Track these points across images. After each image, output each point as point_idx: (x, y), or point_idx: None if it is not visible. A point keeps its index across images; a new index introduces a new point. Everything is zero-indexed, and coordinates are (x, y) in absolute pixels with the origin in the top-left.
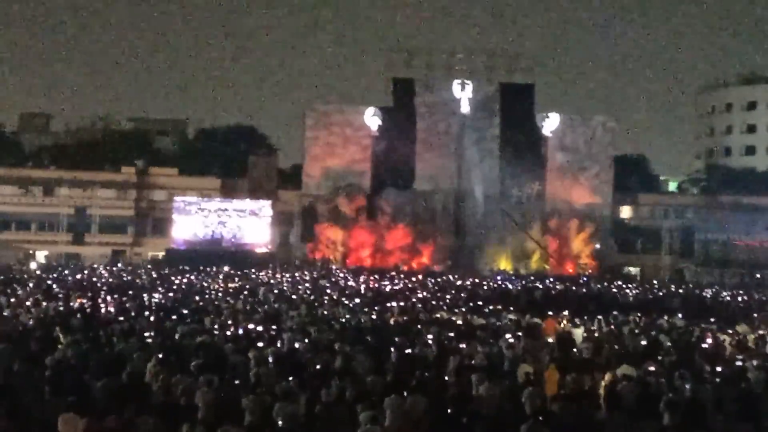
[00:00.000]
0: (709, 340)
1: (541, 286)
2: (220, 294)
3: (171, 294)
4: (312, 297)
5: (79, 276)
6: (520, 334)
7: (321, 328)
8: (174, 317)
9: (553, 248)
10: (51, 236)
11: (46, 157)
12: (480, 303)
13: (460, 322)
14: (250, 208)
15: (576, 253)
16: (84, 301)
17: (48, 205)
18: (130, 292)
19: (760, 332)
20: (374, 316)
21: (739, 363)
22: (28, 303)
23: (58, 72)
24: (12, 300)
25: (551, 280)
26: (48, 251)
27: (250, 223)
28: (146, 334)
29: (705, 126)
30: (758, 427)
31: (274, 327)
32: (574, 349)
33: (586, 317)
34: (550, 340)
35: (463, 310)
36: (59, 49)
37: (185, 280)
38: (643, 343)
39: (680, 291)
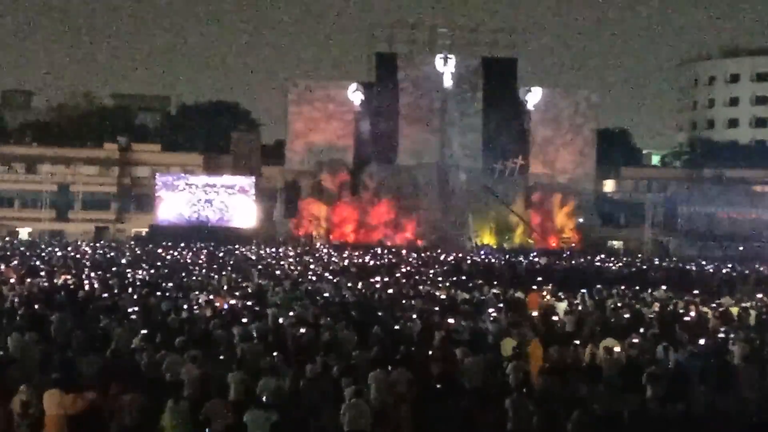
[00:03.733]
0: (692, 313)
1: (524, 261)
2: (204, 270)
3: (155, 270)
4: (296, 273)
5: (62, 253)
6: (503, 308)
7: (305, 303)
8: (158, 294)
9: (537, 222)
10: (34, 213)
11: (28, 134)
12: (464, 277)
13: (443, 296)
14: (240, 185)
15: (559, 227)
16: (68, 277)
17: (31, 182)
18: (114, 269)
19: (743, 305)
20: (358, 291)
21: (721, 336)
22: (12, 280)
23: (40, 49)
24: None
25: (534, 254)
26: (31, 228)
27: (237, 201)
28: (131, 310)
29: (688, 99)
30: (740, 399)
31: (257, 303)
32: (558, 323)
33: (569, 291)
34: (534, 314)
35: (447, 284)
36: (41, 25)
37: (169, 257)
38: (627, 316)
39: (663, 264)
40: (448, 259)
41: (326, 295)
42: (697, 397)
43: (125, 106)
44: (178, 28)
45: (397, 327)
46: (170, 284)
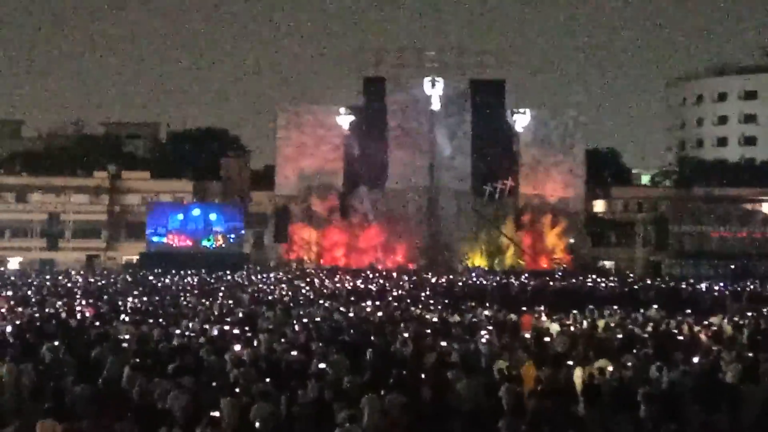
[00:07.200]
0: (685, 332)
1: (516, 282)
2: (195, 297)
3: (146, 298)
4: (287, 297)
5: (54, 282)
6: (495, 330)
7: (297, 328)
8: (150, 321)
9: (527, 243)
10: (24, 242)
11: (18, 164)
12: (456, 300)
13: (435, 319)
14: (229, 211)
15: (550, 248)
16: (60, 306)
17: (21, 211)
18: (106, 297)
19: (735, 320)
20: (350, 315)
21: (714, 354)
22: (3, 309)
23: (29, 78)
24: None
25: (526, 275)
26: (22, 258)
27: (227, 227)
28: (122, 338)
29: (676, 118)
30: (734, 418)
31: (249, 328)
32: (550, 344)
33: (561, 312)
34: (527, 335)
35: (439, 307)
36: (30, 54)
37: (160, 284)
38: (619, 336)
39: (655, 284)
40: (440, 282)
41: (318, 319)
42: (691, 417)
43: (115, 134)
44: (166, 56)
45: (388, 350)
46: (161, 311)
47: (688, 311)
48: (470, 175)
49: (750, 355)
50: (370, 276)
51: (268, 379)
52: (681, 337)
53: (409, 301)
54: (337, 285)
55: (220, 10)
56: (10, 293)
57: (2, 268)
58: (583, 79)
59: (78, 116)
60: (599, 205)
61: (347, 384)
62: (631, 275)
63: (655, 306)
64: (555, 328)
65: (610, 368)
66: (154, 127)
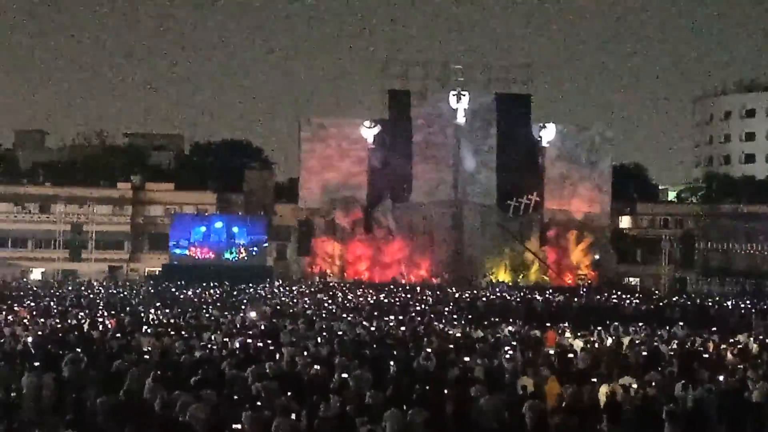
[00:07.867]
0: (711, 350)
1: (540, 298)
2: (217, 309)
3: (168, 310)
4: (310, 311)
5: (76, 293)
6: (519, 346)
7: (320, 342)
8: (172, 333)
9: (552, 259)
10: (47, 253)
11: (41, 174)
12: (479, 315)
13: (459, 334)
14: (253, 223)
15: (575, 264)
16: (82, 317)
17: (44, 221)
18: (128, 309)
19: (762, 339)
20: (373, 330)
21: (740, 373)
22: (25, 320)
23: (54, 88)
24: (10, 317)
25: (551, 291)
26: (44, 268)
27: (250, 240)
28: (144, 350)
29: (703, 134)
30: None
31: (272, 342)
32: (575, 361)
33: (586, 328)
34: (551, 352)
35: (462, 322)
36: (54, 65)
37: (182, 296)
38: (644, 353)
39: (681, 301)
40: (464, 297)
41: (340, 333)
42: None
43: (139, 146)
44: (190, 67)
45: (411, 365)
46: (183, 324)
47: (714, 329)
48: (495, 189)
49: None
50: (394, 290)
51: (290, 393)
52: (706, 355)
53: (432, 315)
54: (360, 299)
55: (245, 23)
56: (32, 304)
57: (25, 279)
58: (610, 95)
59: (102, 127)
60: (625, 221)
61: (370, 399)
62: (657, 292)
63: (681, 324)
64: (579, 344)
65: (635, 386)
66: (179, 138)
